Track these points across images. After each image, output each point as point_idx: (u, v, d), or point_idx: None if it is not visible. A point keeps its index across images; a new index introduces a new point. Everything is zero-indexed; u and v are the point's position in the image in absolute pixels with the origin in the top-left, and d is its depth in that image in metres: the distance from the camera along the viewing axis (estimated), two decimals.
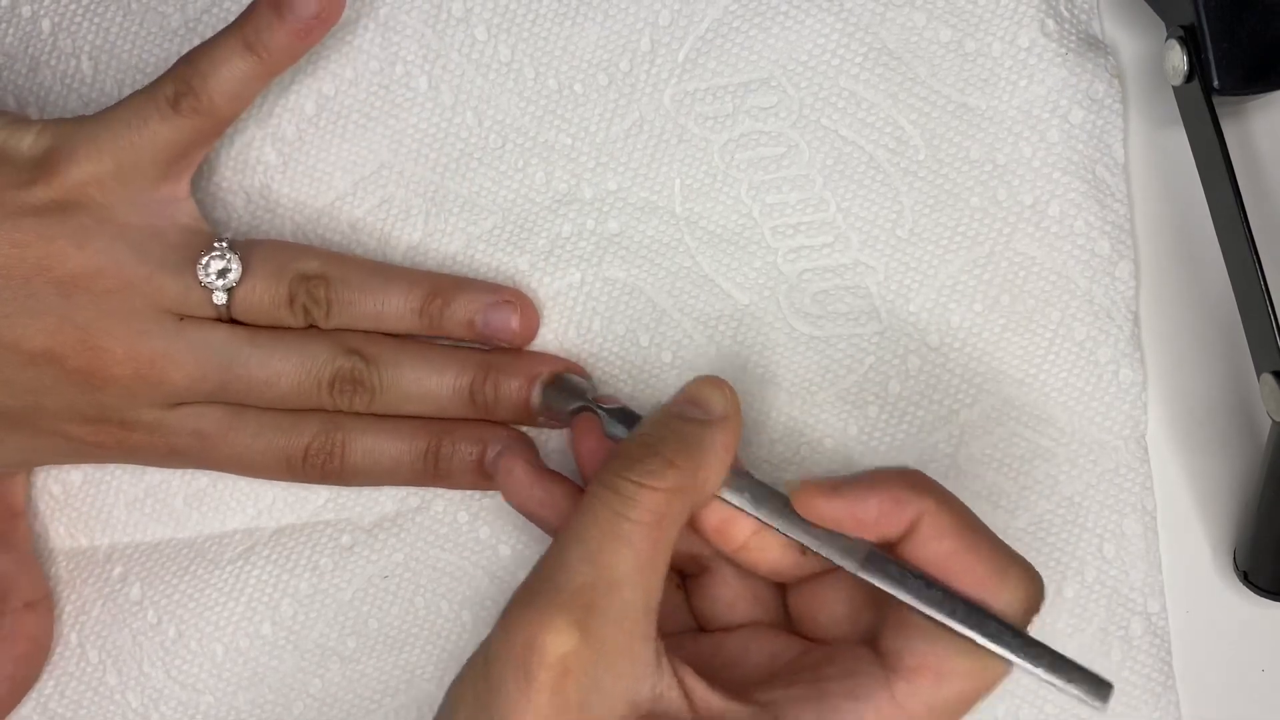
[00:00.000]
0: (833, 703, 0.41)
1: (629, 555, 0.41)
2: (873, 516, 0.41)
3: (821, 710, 0.41)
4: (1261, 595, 0.50)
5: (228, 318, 0.49)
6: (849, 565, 0.42)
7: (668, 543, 0.42)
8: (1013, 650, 0.40)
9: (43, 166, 0.48)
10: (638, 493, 0.41)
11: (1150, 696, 0.50)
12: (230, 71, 0.48)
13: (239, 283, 0.49)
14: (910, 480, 0.42)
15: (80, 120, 0.49)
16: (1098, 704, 0.40)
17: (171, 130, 0.48)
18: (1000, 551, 0.42)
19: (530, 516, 0.49)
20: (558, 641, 0.39)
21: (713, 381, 0.44)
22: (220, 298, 0.49)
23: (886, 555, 0.42)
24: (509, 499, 0.48)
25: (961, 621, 0.40)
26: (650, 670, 0.41)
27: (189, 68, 0.48)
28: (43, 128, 0.49)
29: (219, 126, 0.49)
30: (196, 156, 0.50)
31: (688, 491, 0.42)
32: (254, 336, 0.49)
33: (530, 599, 0.40)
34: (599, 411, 0.47)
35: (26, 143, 0.48)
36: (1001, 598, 0.41)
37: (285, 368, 0.49)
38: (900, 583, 0.41)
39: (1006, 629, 0.40)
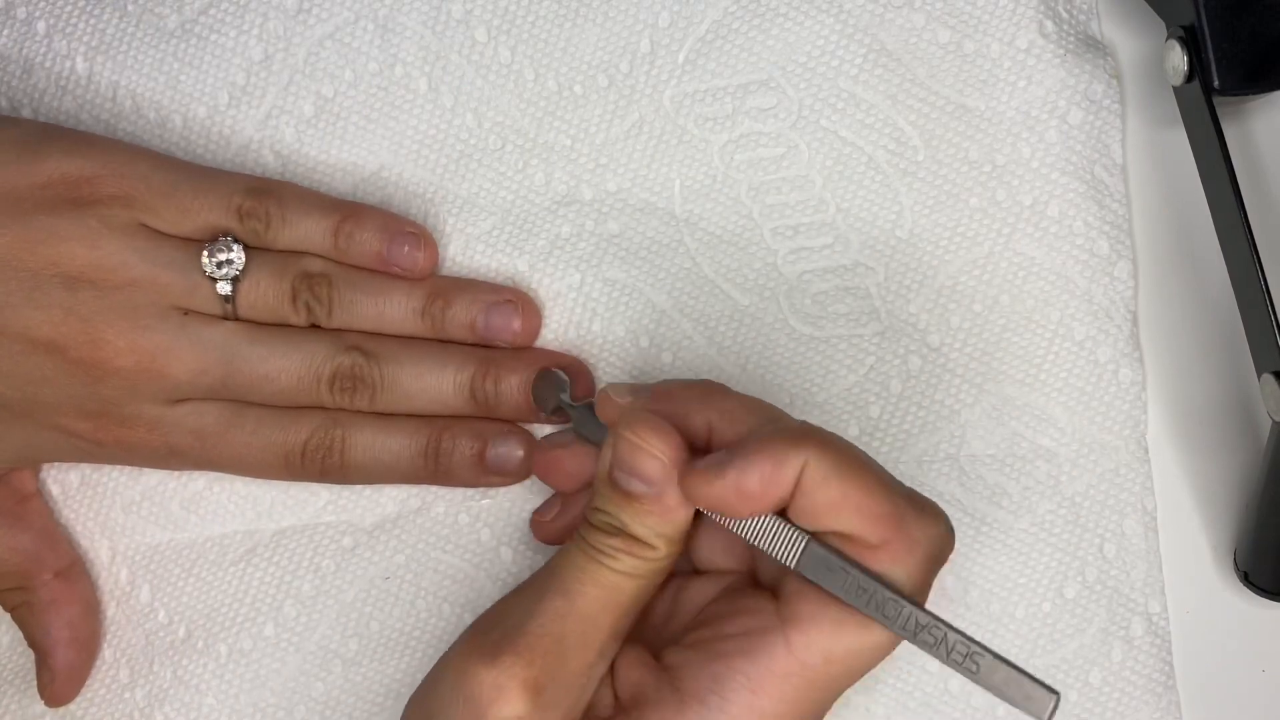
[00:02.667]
0: (729, 662, 0.41)
1: (603, 609, 0.42)
2: (757, 487, 0.40)
3: (718, 672, 0.41)
4: (1261, 595, 0.50)
5: (233, 315, 0.49)
6: (786, 559, 0.42)
7: (641, 597, 0.43)
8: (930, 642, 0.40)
9: (72, 173, 0.49)
10: (615, 562, 0.42)
11: (1151, 697, 0.50)
12: (307, 226, 0.50)
13: (244, 276, 0.49)
14: (787, 436, 0.41)
15: (137, 150, 0.51)
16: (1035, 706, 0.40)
17: (220, 222, 0.50)
18: (895, 493, 0.41)
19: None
20: (513, 704, 0.40)
21: (640, 445, 0.42)
22: (225, 288, 0.49)
23: (823, 545, 0.41)
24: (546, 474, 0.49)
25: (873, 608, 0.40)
26: (594, 686, 0.43)
27: (274, 200, 0.50)
28: (80, 141, 0.50)
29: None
30: None
31: (668, 556, 0.43)
32: (256, 333, 0.49)
33: (494, 651, 0.41)
34: (570, 411, 0.48)
35: (58, 151, 0.49)
36: (904, 536, 0.40)
37: (286, 364, 0.49)
38: (832, 577, 0.40)
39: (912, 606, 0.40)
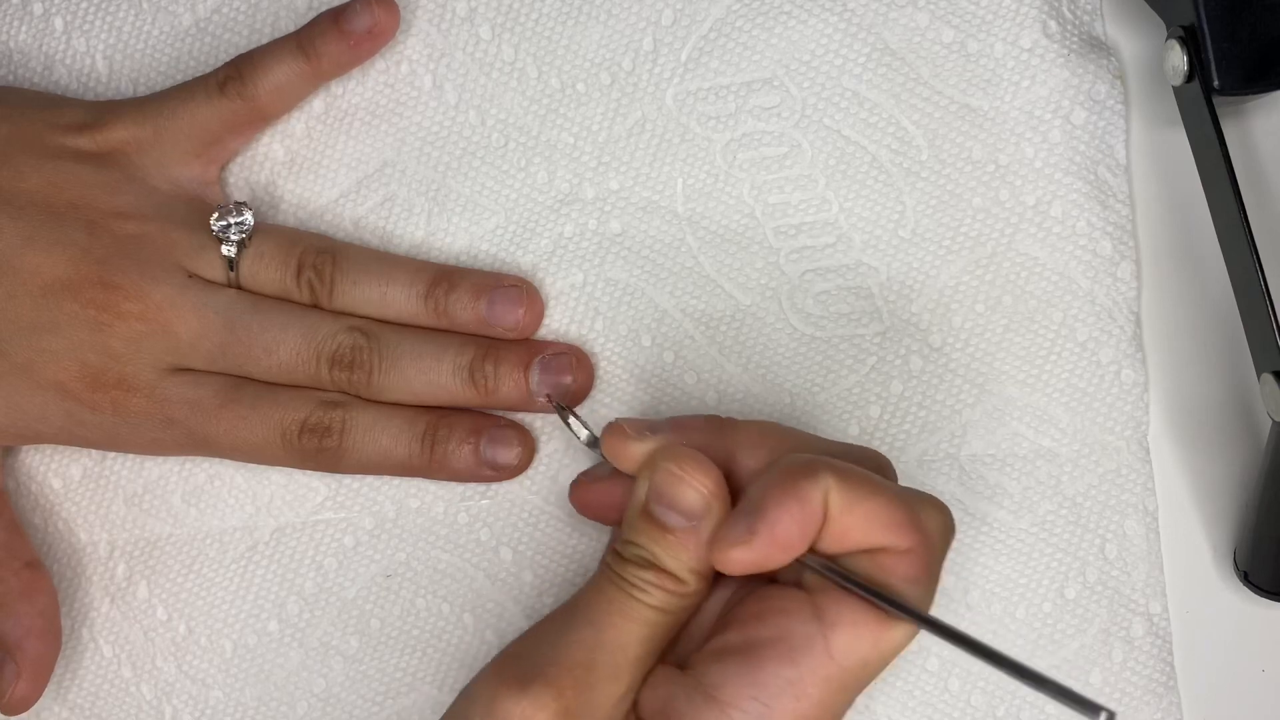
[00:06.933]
0: (770, 670, 0.40)
1: (634, 641, 0.42)
2: (796, 534, 0.40)
3: (759, 679, 0.40)
4: (1261, 595, 0.50)
5: (235, 283, 0.50)
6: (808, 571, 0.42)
7: (671, 631, 0.43)
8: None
9: (92, 121, 0.51)
10: (646, 595, 0.42)
11: (1152, 697, 0.50)
12: (280, 67, 0.51)
13: (249, 243, 0.50)
14: (801, 473, 0.40)
15: (137, 97, 0.53)
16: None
17: (212, 111, 0.51)
18: (904, 496, 0.41)
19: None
20: None
21: (682, 476, 0.42)
22: (229, 250, 0.50)
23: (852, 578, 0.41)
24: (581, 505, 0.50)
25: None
26: (621, 718, 0.42)
27: (245, 58, 0.51)
28: (99, 100, 0.53)
29: (258, 118, 0.52)
30: (231, 144, 0.53)
31: (698, 592, 0.43)
32: (258, 303, 0.50)
33: (524, 680, 0.41)
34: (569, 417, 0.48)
35: (81, 103, 0.52)
36: (926, 537, 0.41)
37: (286, 336, 0.50)
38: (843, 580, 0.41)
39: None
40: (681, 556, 0.42)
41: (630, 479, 0.46)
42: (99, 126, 0.51)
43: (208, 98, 0.51)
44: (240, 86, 0.51)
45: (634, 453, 0.44)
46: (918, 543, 0.41)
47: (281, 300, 0.50)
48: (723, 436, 0.45)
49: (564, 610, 0.43)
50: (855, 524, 0.40)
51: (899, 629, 0.40)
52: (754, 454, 0.44)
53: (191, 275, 0.50)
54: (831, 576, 0.41)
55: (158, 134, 0.51)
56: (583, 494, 0.49)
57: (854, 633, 0.40)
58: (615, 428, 0.45)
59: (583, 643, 0.41)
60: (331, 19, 0.51)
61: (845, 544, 0.41)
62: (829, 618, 0.41)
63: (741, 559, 0.40)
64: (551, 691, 0.40)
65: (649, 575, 0.42)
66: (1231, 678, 0.51)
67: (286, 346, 0.50)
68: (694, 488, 0.42)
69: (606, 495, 0.48)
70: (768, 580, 0.45)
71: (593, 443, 0.49)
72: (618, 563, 0.43)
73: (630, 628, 0.42)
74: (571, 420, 0.49)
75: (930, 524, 0.41)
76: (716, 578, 0.45)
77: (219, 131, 0.51)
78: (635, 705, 0.42)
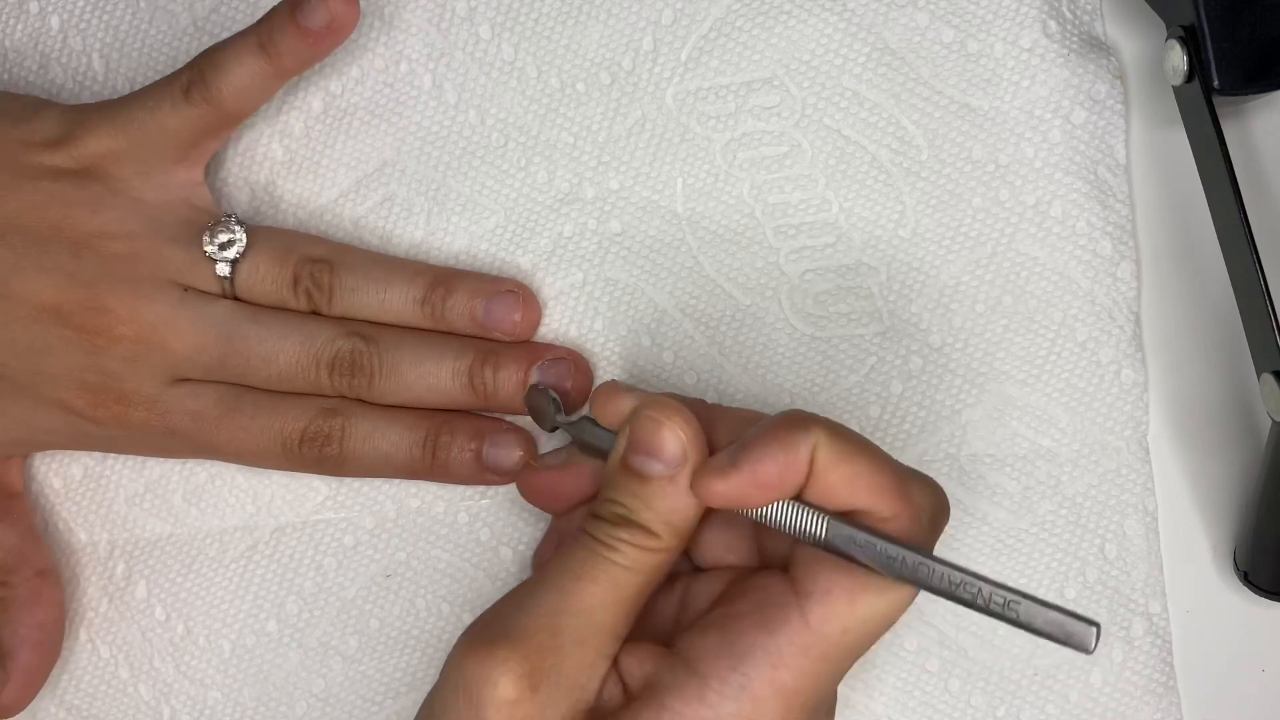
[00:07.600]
0: (747, 640, 0.41)
1: (601, 605, 0.42)
2: (775, 476, 0.41)
3: (737, 650, 0.41)
4: (1261, 595, 0.50)
5: (231, 294, 0.50)
6: (810, 541, 0.42)
7: (640, 596, 0.43)
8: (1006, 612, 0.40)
9: (64, 136, 0.49)
10: (617, 554, 0.43)
11: (1152, 697, 0.50)
12: (241, 68, 0.49)
13: (244, 257, 0.50)
14: (793, 422, 0.41)
15: (105, 101, 0.51)
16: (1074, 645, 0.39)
17: (180, 117, 0.50)
18: (897, 466, 0.42)
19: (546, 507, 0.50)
20: (507, 691, 0.40)
21: (662, 421, 0.43)
22: (224, 269, 0.49)
23: (844, 521, 0.41)
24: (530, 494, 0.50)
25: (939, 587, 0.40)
26: (596, 687, 0.42)
27: (205, 60, 0.50)
28: (69, 106, 0.51)
29: (227, 120, 0.51)
30: (209, 146, 0.51)
31: (670, 550, 0.43)
32: (256, 313, 0.50)
33: (489, 643, 0.41)
34: (569, 426, 0.47)
35: (52, 114, 0.50)
36: (912, 506, 0.41)
37: (285, 345, 0.49)
38: (858, 550, 0.41)
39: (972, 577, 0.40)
40: (657, 506, 0.42)
41: (582, 468, 0.47)
42: (73, 140, 0.49)
43: (174, 107, 0.49)
44: (205, 91, 0.49)
45: (623, 406, 0.44)
46: (902, 511, 0.41)
47: (278, 308, 0.50)
48: (708, 410, 0.45)
49: (534, 577, 0.43)
50: (840, 481, 0.41)
51: (873, 593, 0.41)
52: (734, 427, 0.44)
53: (186, 289, 0.49)
54: (831, 521, 0.41)
55: (133, 145, 0.50)
56: (531, 480, 0.49)
57: (828, 599, 0.41)
58: (610, 384, 0.46)
59: (548, 607, 0.42)
60: (289, 14, 0.49)
61: (830, 501, 0.41)
62: (803, 587, 0.41)
63: (718, 490, 0.41)
64: (516, 656, 0.41)
65: (622, 532, 0.42)
66: (1231, 678, 0.51)
67: (285, 355, 0.49)
68: (673, 433, 0.42)
69: (556, 483, 0.48)
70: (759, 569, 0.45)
71: (554, 428, 0.49)
72: (592, 523, 0.43)
73: (597, 591, 0.42)
74: (548, 404, 0.49)
75: (919, 498, 0.42)
76: (710, 569, 0.46)
77: (191, 138, 0.50)
78: (621, 679, 0.43)
